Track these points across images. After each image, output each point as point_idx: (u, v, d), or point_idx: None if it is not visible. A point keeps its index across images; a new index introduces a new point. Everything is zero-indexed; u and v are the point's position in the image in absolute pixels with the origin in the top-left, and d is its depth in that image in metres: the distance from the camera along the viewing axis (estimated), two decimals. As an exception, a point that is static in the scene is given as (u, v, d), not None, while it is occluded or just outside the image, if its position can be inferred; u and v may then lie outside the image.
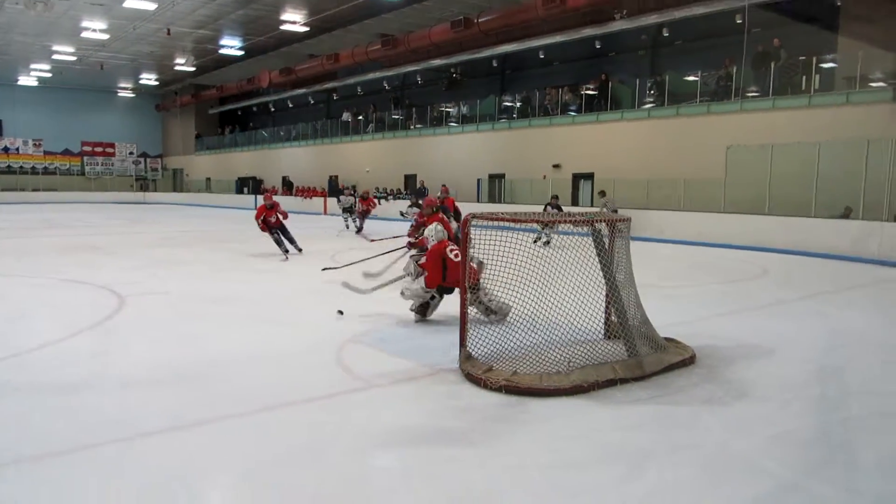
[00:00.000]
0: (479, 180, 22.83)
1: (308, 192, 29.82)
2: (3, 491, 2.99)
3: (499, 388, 4.31)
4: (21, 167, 41.23)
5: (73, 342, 5.61)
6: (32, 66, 34.30)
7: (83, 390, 4.34)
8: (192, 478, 3.16)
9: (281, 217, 11.79)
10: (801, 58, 15.38)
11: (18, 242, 14.62)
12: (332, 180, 30.11)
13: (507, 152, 22.23)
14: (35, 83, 38.88)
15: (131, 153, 45.17)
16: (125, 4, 21.96)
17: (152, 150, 45.89)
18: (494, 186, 22.57)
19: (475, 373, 4.51)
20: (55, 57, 31.36)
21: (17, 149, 41.53)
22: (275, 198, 12.75)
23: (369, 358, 5.21)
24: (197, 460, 3.35)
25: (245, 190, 35.17)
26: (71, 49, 29.89)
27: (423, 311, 6.34)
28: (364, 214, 17.41)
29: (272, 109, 35.47)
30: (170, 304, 7.40)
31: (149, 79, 38.16)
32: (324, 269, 8.96)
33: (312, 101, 34.28)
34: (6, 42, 28.84)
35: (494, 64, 24.68)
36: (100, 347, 5.50)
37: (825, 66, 15.28)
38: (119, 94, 42.80)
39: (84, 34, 26.35)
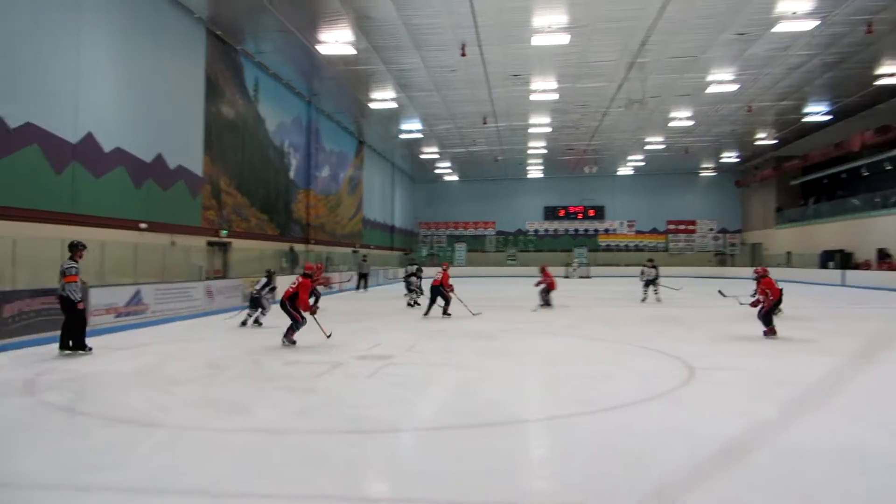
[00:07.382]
0: None
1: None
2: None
3: None
4: (616, 245, 47.83)
5: (647, 406, 6.04)
6: (629, 157, 39.62)
7: (653, 453, 4.60)
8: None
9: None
10: None
11: (609, 312, 16.76)
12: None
13: None
14: (630, 172, 44.77)
15: (711, 229, 47.05)
16: (709, 91, 23.40)
17: (731, 225, 46.72)
18: None
19: None
20: (647, 147, 35.54)
21: (615, 230, 48.33)
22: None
23: None
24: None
25: (830, 264, 31.94)
26: (660, 138, 33.40)
27: None
28: None
29: (865, 174, 31.67)
30: (737, 381, 7.25)
31: (729, 157, 39.37)
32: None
33: (918, 161, 29.15)
34: (610, 140, 34.18)
35: None
36: (669, 414, 5.76)
37: None
38: (700, 174, 45.49)
39: (672, 124, 29.12)
